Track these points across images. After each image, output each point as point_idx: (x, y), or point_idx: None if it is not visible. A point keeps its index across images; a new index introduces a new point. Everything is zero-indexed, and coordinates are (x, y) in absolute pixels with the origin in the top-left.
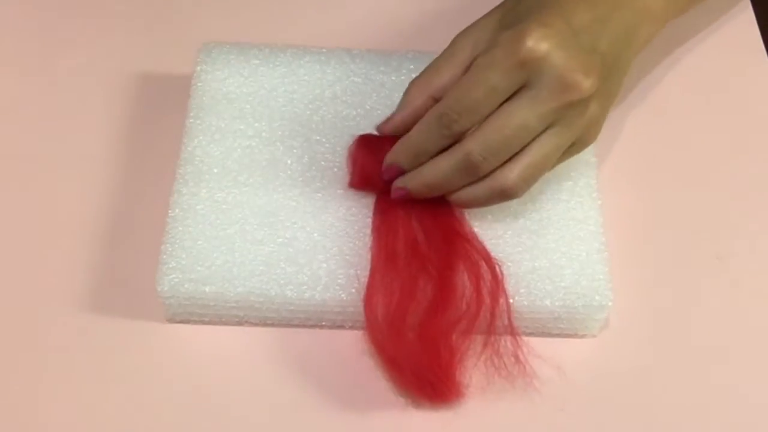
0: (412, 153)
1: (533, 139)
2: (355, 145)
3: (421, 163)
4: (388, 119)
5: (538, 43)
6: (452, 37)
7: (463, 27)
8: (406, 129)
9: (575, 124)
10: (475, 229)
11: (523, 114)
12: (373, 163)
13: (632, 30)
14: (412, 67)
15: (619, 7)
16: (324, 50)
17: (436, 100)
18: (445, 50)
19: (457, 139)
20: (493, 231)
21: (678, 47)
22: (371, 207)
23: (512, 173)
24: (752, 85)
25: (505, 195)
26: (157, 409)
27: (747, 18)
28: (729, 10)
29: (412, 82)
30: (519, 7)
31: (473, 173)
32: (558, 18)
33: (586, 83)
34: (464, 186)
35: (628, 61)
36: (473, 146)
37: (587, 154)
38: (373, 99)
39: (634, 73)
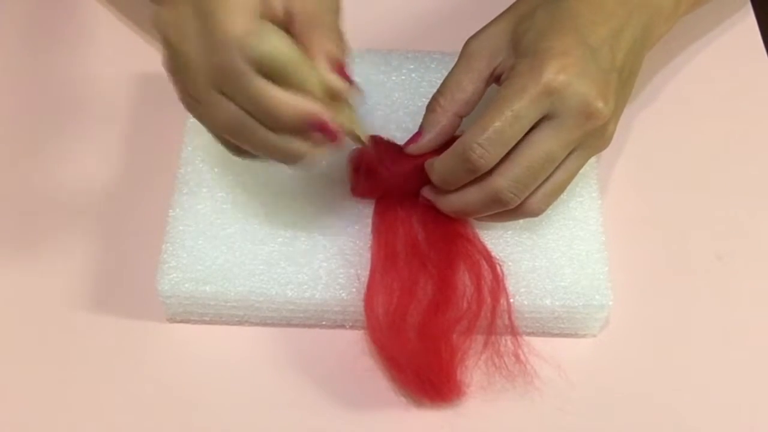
0: (438, 181)
1: (557, 167)
2: (355, 152)
3: (448, 190)
4: (416, 141)
5: (558, 75)
6: (452, 36)
7: (464, 26)
8: (433, 149)
9: (595, 146)
10: (476, 229)
11: (548, 145)
12: (375, 172)
13: (647, 31)
14: (412, 66)
15: (635, 10)
16: None
17: (461, 117)
18: (461, 61)
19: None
20: (494, 230)
21: (679, 49)
22: (371, 206)
23: (536, 200)
24: (752, 86)
25: (527, 217)
26: (157, 409)
27: (748, 20)
28: (731, 15)
29: (435, 99)
30: (534, 17)
31: (503, 207)
32: (574, 39)
33: (606, 109)
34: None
35: (641, 62)
36: (503, 183)
37: None
38: (373, 99)
39: None
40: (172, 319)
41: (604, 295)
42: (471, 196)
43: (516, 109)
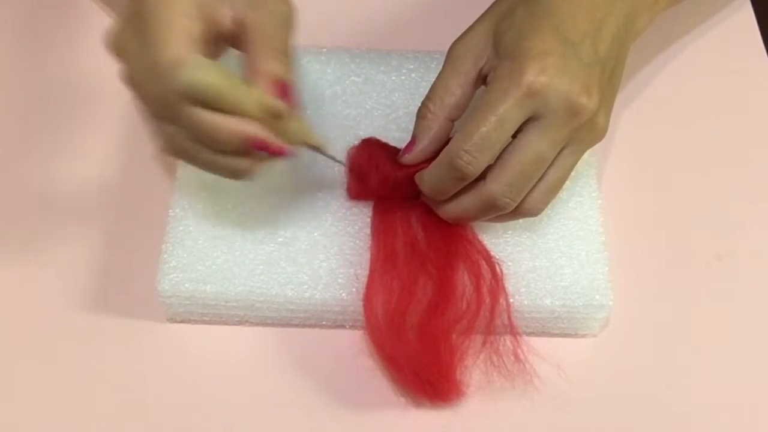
0: (431, 191)
1: (550, 165)
2: (350, 156)
3: (443, 199)
4: (410, 150)
5: (538, 76)
6: (453, 36)
7: (465, 26)
8: (428, 157)
9: (586, 140)
10: (475, 229)
11: (537, 146)
12: (367, 176)
13: (630, 19)
14: (412, 66)
15: None
16: (324, 50)
17: (453, 121)
18: (447, 65)
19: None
20: (494, 231)
21: (678, 47)
22: (371, 206)
23: (533, 199)
24: (752, 84)
25: (526, 217)
26: (158, 409)
27: (746, 17)
28: (731, 15)
29: (425, 105)
30: (513, 15)
31: (500, 212)
32: (554, 37)
33: (591, 104)
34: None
35: (627, 50)
36: (497, 189)
37: (587, 154)
38: (373, 99)
39: (634, 73)
40: (172, 319)
41: (604, 295)
42: (467, 203)
43: (500, 114)
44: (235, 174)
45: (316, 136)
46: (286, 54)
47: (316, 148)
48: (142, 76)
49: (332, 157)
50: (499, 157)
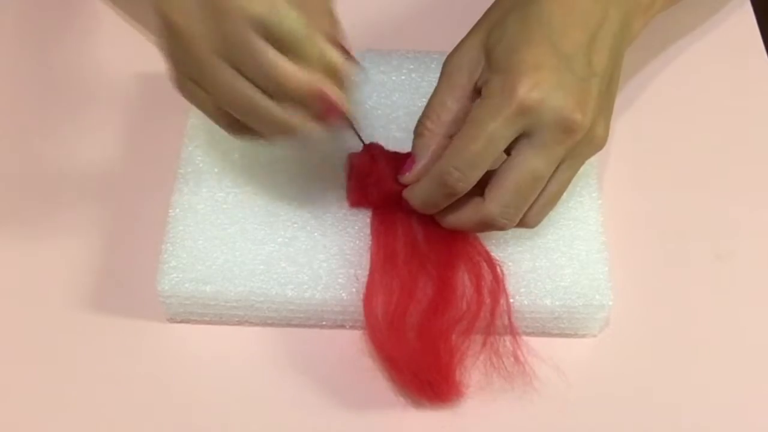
0: (421, 206)
1: (547, 181)
2: (351, 163)
3: (434, 212)
4: (410, 169)
5: (530, 92)
6: (453, 36)
7: (465, 26)
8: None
9: (585, 152)
10: None
11: (532, 165)
12: (366, 186)
13: (626, 25)
14: (412, 66)
15: (611, 4)
16: None
17: (451, 137)
18: (442, 79)
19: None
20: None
21: (678, 47)
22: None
23: (532, 213)
24: (752, 84)
25: (524, 228)
26: (158, 409)
27: (746, 17)
28: (727, 6)
29: (422, 123)
30: (504, 24)
31: (498, 230)
32: (546, 49)
33: (585, 120)
34: None
35: (622, 56)
36: (494, 210)
37: None
38: (373, 99)
39: (633, 73)
40: (172, 319)
41: (604, 295)
42: (465, 220)
43: (491, 131)
44: (287, 129)
45: (358, 112)
46: (335, 17)
47: (350, 123)
48: (204, 20)
49: (360, 138)
50: (495, 176)
